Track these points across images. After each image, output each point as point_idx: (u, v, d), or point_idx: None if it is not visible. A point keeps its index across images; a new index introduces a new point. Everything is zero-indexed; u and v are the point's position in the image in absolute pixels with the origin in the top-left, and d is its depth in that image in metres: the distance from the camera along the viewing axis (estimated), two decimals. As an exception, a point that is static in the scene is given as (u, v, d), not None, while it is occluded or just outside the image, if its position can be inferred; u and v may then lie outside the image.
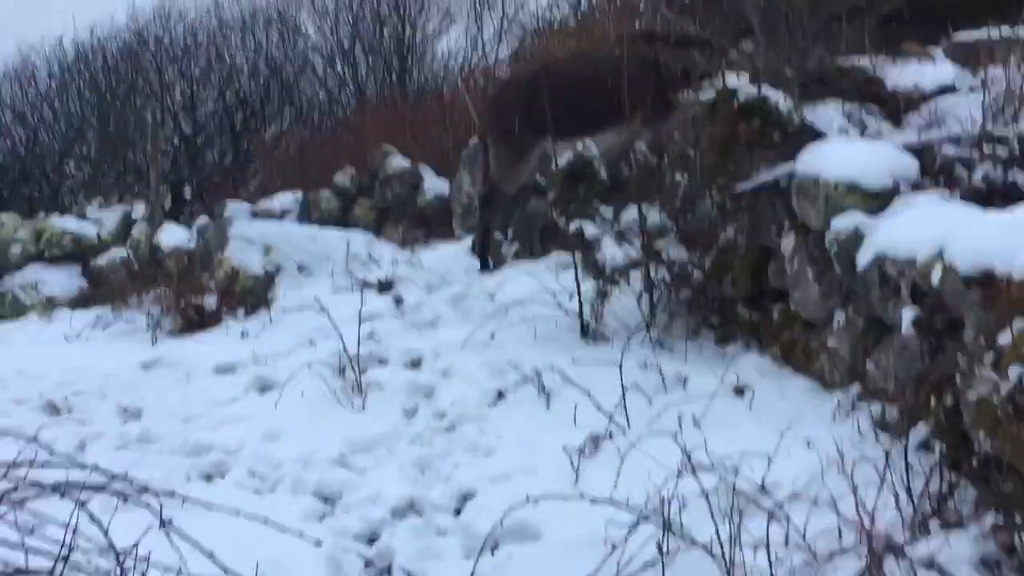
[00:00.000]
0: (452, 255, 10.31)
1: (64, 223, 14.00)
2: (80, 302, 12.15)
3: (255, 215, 13.81)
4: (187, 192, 26.39)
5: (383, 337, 7.75)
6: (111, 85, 25.89)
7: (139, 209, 14.15)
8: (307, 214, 13.41)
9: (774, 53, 7.51)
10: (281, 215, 13.58)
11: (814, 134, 6.58)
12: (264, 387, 7.09)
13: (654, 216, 7.72)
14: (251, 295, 9.05)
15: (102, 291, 11.98)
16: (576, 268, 7.24)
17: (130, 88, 26.21)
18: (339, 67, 26.75)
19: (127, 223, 14.05)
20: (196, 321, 8.73)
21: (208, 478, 5.77)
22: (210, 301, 8.77)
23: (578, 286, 7.24)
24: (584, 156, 7.34)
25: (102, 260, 13.36)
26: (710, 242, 7.34)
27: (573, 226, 7.17)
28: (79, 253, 13.70)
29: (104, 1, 30.94)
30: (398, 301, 8.59)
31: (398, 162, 13.42)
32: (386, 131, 15.71)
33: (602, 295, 7.09)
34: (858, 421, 5.27)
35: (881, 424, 5.24)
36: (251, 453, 5.93)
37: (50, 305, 12.69)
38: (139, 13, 26.75)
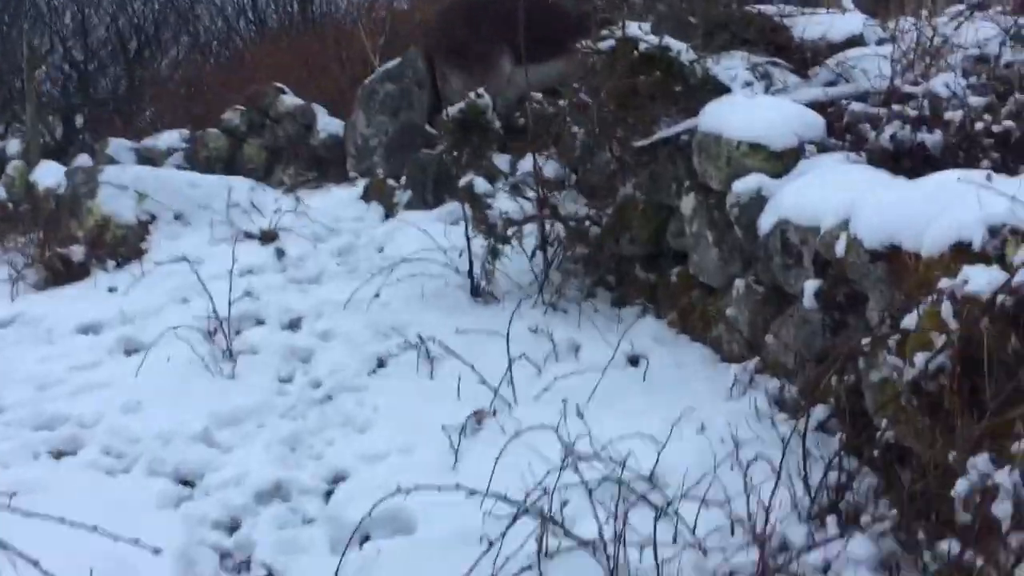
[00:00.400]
0: (343, 201, 9.82)
1: (-69, 158, 13.16)
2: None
3: (139, 154, 13.09)
4: (78, 121, 25.51)
5: (261, 293, 7.27)
6: (-3, 8, 24.69)
7: (15, 144, 13.32)
8: (194, 154, 12.71)
9: (678, -1, 7.14)
10: (167, 154, 12.87)
11: (718, 88, 6.23)
12: (130, 349, 6.57)
13: (550, 169, 7.33)
14: (123, 246, 8.37)
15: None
16: (466, 224, 6.82)
17: (16, 11, 25.04)
18: (238, -5, 25.86)
19: (1, 159, 13.21)
20: (62, 273, 8.08)
21: (58, 456, 5.27)
22: (77, 252, 8.13)
23: (468, 243, 6.84)
24: (476, 104, 6.88)
25: (-28, 198, 12.56)
26: (609, 197, 6.99)
27: (464, 179, 6.74)
28: (-53, 191, 12.87)
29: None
30: (280, 253, 8.08)
31: (290, 100, 12.77)
32: (281, 66, 15.03)
33: (493, 253, 6.69)
34: (755, 399, 4.98)
35: (779, 402, 4.96)
36: (108, 427, 5.44)
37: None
38: (25, -69, 25.49)
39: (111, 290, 7.72)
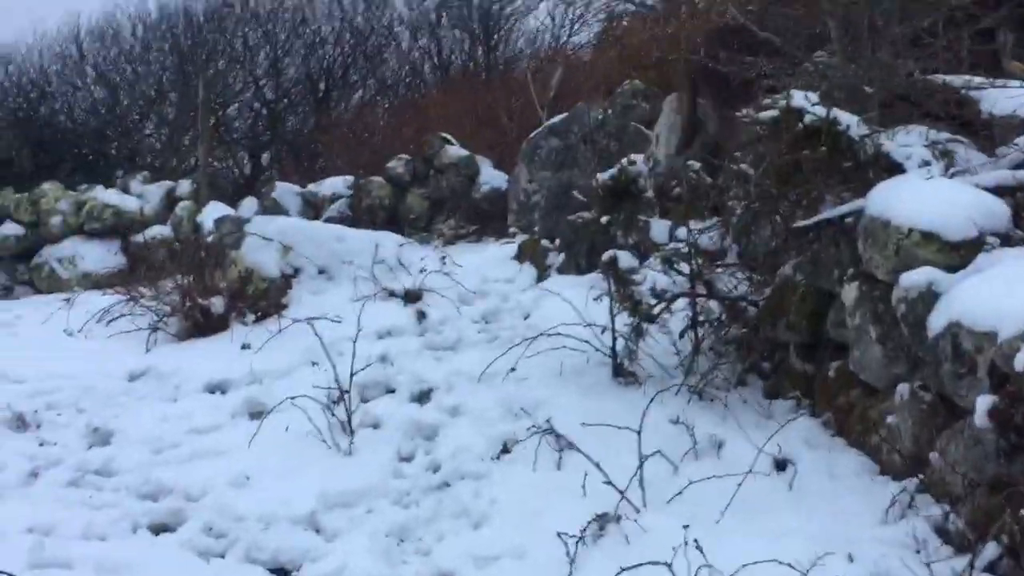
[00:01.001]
0: (495, 260, 9.54)
1: (107, 196, 13.45)
2: (116, 280, 11.57)
3: (304, 199, 13.17)
4: (265, 159, 26.16)
5: (396, 358, 7.00)
6: (194, 47, 25.57)
7: (186, 185, 13.57)
8: (357, 202, 12.70)
9: (854, 66, 6.57)
10: (331, 200, 12.90)
11: (890, 166, 5.63)
12: (254, 412, 6.35)
13: (706, 240, 6.84)
14: (264, 299, 8.25)
15: (140, 271, 11.33)
16: (610, 300, 6.39)
17: (212, 51, 25.90)
18: (424, 40, 26.14)
19: (171, 199, 13.48)
20: (202, 325, 8.01)
21: (157, 531, 5.03)
22: (218, 304, 8.03)
23: (612, 320, 6.40)
24: (628, 170, 6.47)
25: (142, 237, 12.81)
26: (768, 276, 6.47)
27: (607, 253, 6.32)
28: (120, 228, 13.17)
29: (191, -38, 30.80)
30: (421, 316, 7.80)
31: (455, 151, 12.67)
32: (452, 115, 14.95)
33: (637, 332, 6.23)
34: (914, 527, 4.37)
35: (942, 533, 4.34)
36: (213, 502, 5.20)
37: (86, 281, 12.21)
38: (226, -25, 26.37)
39: (245, 347, 7.56)
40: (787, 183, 5.85)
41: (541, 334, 6.56)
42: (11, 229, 13.26)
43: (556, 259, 8.96)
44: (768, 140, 6.05)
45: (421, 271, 8.45)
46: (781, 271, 6.33)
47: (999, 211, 5.00)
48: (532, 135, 11.65)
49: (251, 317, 8.12)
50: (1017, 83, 6.48)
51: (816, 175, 5.68)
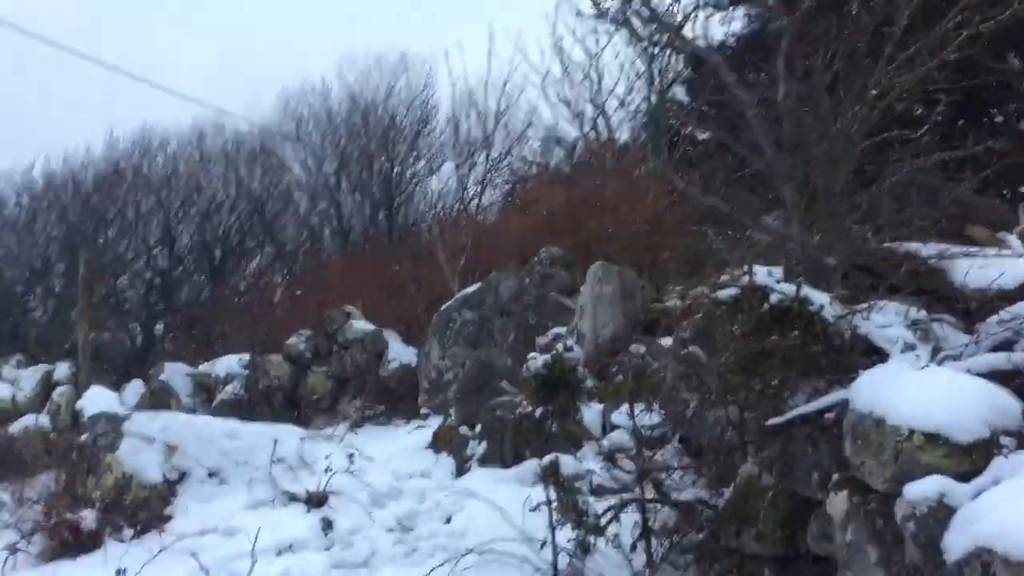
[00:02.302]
0: (408, 450, 8.62)
1: (-27, 383, 12.26)
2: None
3: (194, 380, 12.11)
4: (159, 329, 25.07)
5: (296, 585, 5.95)
6: (83, 215, 24.72)
7: (64, 368, 12.40)
8: (253, 383, 11.68)
9: (809, 233, 5.92)
10: (225, 381, 11.86)
11: (870, 349, 4.92)
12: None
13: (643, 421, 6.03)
14: (144, 510, 7.09)
15: (10, 467, 10.10)
16: (550, 512, 5.47)
17: (102, 219, 25.05)
18: (323, 205, 25.57)
19: (49, 384, 12.28)
20: (70, 544, 6.84)
21: None
22: (89, 518, 6.87)
23: (553, 535, 5.48)
24: (563, 359, 5.64)
25: (15, 427, 11.57)
26: (727, 476, 5.65)
27: (547, 458, 5.45)
28: (-9, 418, 11.93)
29: (82, 131, 30.07)
30: (327, 525, 6.76)
31: (360, 325, 11.78)
32: (356, 284, 14.13)
33: (583, 548, 5.32)
34: None
35: None
36: None
37: (-51, 482, 10.88)
38: (117, 143, 25.69)
39: (119, 573, 6.35)
40: (751, 372, 5.07)
41: (470, 551, 5.60)
42: None
43: (477, 448, 8.06)
44: (724, 322, 5.31)
45: (326, 471, 7.42)
46: (743, 469, 5.51)
47: (1010, 405, 4.27)
48: (444, 307, 10.88)
49: (129, 532, 6.94)
50: (989, 250, 5.92)
51: (784, 363, 4.92)
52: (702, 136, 16.26)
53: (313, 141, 25.30)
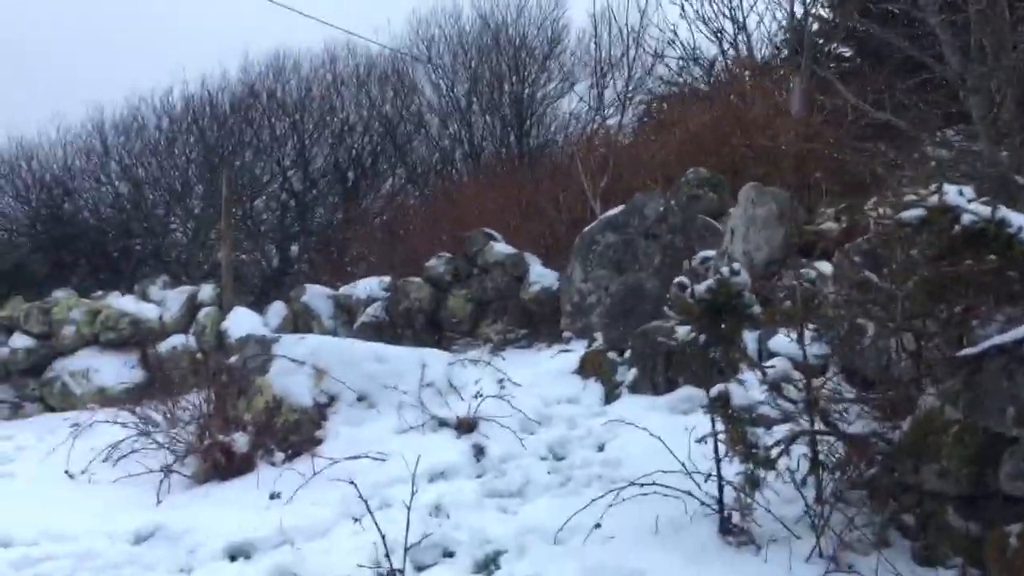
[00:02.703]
0: (554, 375, 8.42)
1: (123, 304, 12.38)
2: (134, 397, 10.48)
3: (336, 302, 12.11)
4: (294, 250, 25.34)
5: (452, 510, 5.84)
6: (220, 139, 24.98)
7: (208, 290, 12.50)
8: (394, 305, 11.60)
9: (997, 149, 5.48)
10: (366, 303, 11.82)
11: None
12: (284, 587, 5.19)
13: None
14: (295, 433, 7.06)
15: (160, 386, 10.24)
16: (715, 443, 5.22)
17: (239, 142, 25.29)
18: (454, 127, 25.41)
19: (193, 305, 12.41)
20: (223, 467, 6.85)
21: None
22: (241, 441, 6.87)
23: (718, 467, 5.24)
24: (729, 283, 5.33)
25: (163, 347, 11.75)
26: (901, 408, 5.32)
27: (715, 388, 5.18)
28: (138, 338, 12.08)
29: (217, 54, 30.42)
30: (479, 452, 6.66)
31: (500, 248, 11.57)
32: (492, 207, 13.91)
33: (752, 483, 5.07)
34: None
35: None
36: None
37: (101, 397, 11.13)
38: (252, 66, 25.85)
39: (273, 496, 6.38)
40: (938, 298, 4.72)
41: (630, 483, 5.40)
42: (20, 342, 12.12)
43: (627, 374, 7.84)
44: (906, 245, 4.95)
45: (476, 396, 7.29)
46: (923, 402, 5.17)
47: None
48: (586, 229, 10.60)
49: (280, 456, 6.93)
50: None
51: (981, 289, 4.55)
52: (847, 53, 15.59)
53: (444, 63, 25.06)
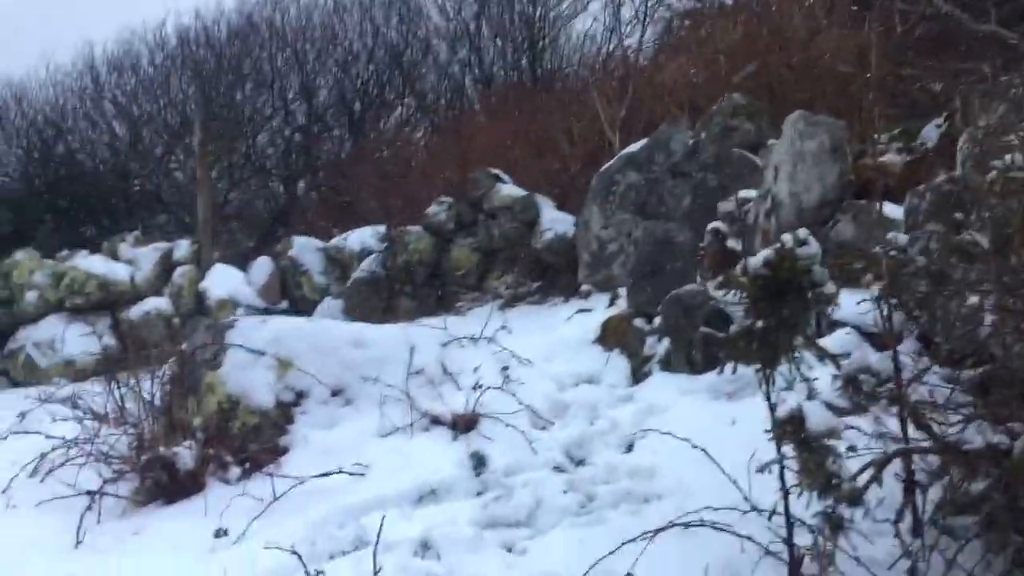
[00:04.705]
0: (571, 345, 7.23)
1: (90, 264, 11.14)
2: (103, 369, 9.27)
3: (327, 255, 10.89)
4: (301, 188, 24.24)
5: (443, 548, 4.55)
6: (218, 72, 23.81)
7: (184, 246, 11.26)
8: (391, 258, 10.35)
9: None
10: (360, 256, 10.60)
11: None
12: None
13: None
14: (255, 439, 5.73)
15: (132, 358, 9.01)
16: (781, 472, 3.95)
17: (238, 76, 24.06)
18: (463, 53, 24.06)
19: (168, 265, 11.16)
20: (165, 488, 5.57)
21: None
22: (186, 456, 5.49)
23: (786, 503, 3.97)
24: (795, 257, 4.00)
25: (136, 312, 10.55)
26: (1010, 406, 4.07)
27: (783, 408, 3.89)
28: (108, 303, 10.86)
29: (210, -19, 29.05)
30: (478, 461, 5.38)
31: (508, 190, 10.30)
32: (500, 142, 12.60)
33: (835, 526, 3.80)
34: None
35: None
36: None
37: (68, 370, 9.99)
38: (248, -6, 24.58)
39: (219, 534, 5.07)
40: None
41: (671, 523, 4.14)
42: (-20, 308, 10.99)
43: (657, 347, 6.58)
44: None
45: (475, 387, 6.04)
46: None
47: None
48: (604, 167, 9.32)
49: (236, 471, 5.61)
50: None
51: None
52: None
53: (450, -19, 23.69)
